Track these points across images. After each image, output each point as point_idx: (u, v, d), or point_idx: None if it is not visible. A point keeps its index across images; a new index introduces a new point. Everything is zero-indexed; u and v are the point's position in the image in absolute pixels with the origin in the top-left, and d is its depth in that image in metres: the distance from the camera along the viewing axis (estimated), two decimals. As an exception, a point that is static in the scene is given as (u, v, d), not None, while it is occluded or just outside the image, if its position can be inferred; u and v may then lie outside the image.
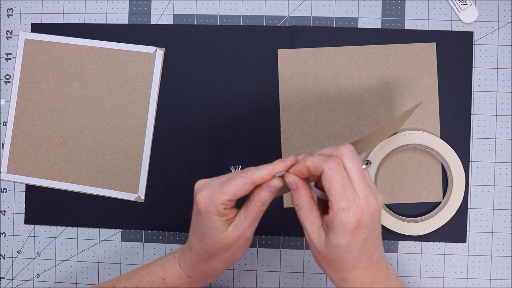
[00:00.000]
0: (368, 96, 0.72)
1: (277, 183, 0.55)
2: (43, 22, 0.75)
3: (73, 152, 0.74)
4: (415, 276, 0.73)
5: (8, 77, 0.76)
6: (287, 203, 0.73)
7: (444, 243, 0.72)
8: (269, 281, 0.74)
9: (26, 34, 0.75)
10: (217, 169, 0.73)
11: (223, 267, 0.59)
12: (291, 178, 0.54)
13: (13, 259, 0.76)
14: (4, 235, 0.76)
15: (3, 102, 0.75)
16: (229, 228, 0.55)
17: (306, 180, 0.55)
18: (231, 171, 0.59)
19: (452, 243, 0.72)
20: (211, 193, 0.54)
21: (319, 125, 0.72)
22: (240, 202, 0.56)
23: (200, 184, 0.57)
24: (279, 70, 0.73)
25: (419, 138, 0.70)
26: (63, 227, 0.76)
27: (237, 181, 0.54)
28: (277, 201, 0.73)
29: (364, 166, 0.54)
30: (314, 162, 0.52)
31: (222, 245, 0.56)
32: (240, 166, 0.59)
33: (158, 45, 0.74)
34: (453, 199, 0.71)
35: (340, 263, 0.52)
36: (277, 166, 0.55)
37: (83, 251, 0.75)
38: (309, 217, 0.54)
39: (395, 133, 0.71)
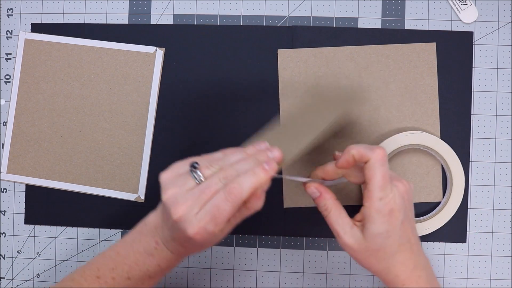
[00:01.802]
0: (368, 96, 0.72)
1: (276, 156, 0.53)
2: (43, 22, 0.75)
3: (73, 152, 0.74)
4: (415, 276, 0.73)
5: (8, 77, 0.76)
6: (287, 203, 0.73)
7: (444, 243, 0.72)
8: (269, 281, 0.74)
9: (26, 34, 0.75)
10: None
11: (197, 252, 0.60)
12: (312, 187, 0.56)
13: (13, 259, 0.76)
14: (4, 235, 0.76)
15: (3, 102, 0.76)
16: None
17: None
18: (193, 167, 0.53)
19: (452, 243, 0.72)
20: (204, 228, 0.50)
21: (319, 125, 0.72)
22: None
23: (172, 192, 0.51)
24: (279, 70, 0.73)
25: (419, 138, 0.70)
26: (63, 227, 0.76)
27: (227, 208, 0.50)
28: (277, 201, 0.73)
29: None
30: (359, 151, 0.54)
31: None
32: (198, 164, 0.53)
33: (158, 45, 0.74)
34: (453, 199, 0.71)
35: (383, 251, 0.54)
36: (261, 174, 0.51)
37: (83, 251, 0.75)
38: (338, 220, 0.55)
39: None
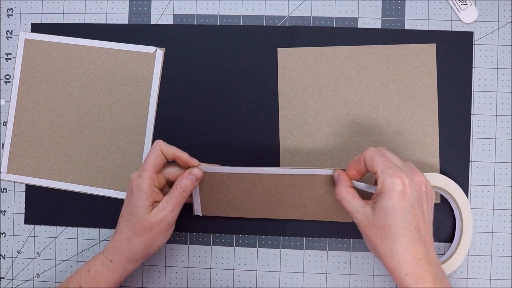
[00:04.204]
0: (367, 96, 0.72)
1: (198, 172, 0.64)
2: (43, 22, 0.75)
3: (73, 152, 0.74)
4: (415, 276, 0.73)
5: (8, 77, 0.76)
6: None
7: (444, 243, 0.72)
8: (269, 281, 0.74)
9: (26, 34, 0.75)
10: (217, 169, 0.73)
11: (142, 251, 0.64)
12: (336, 172, 0.62)
13: (13, 259, 0.76)
14: (4, 235, 0.76)
15: (3, 102, 0.76)
16: (153, 211, 0.62)
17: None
18: None
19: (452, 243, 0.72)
20: (140, 172, 0.62)
21: (318, 124, 0.72)
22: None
23: (137, 172, 0.64)
24: (278, 68, 0.73)
25: (436, 181, 0.70)
26: (63, 227, 0.76)
27: (150, 155, 0.63)
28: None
29: None
30: (357, 157, 0.61)
31: (145, 224, 0.62)
32: None
33: (158, 45, 0.74)
34: (461, 247, 0.70)
35: (387, 229, 0.55)
36: (186, 156, 0.64)
37: (83, 251, 0.75)
38: (351, 202, 0.59)
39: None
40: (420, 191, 0.56)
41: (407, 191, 0.54)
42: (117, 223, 0.66)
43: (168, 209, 0.62)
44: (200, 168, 0.65)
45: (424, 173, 0.70)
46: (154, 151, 0.63)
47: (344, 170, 0.63)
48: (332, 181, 0.65)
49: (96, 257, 0.66)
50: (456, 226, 0.71)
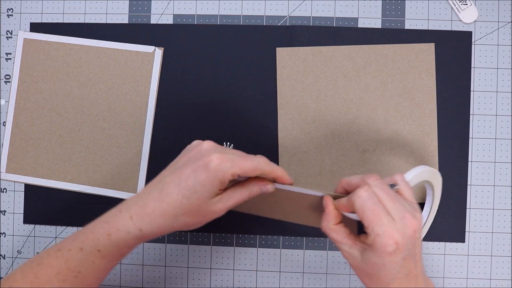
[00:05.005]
0: (366, 95, 0.72)
1: (272, 187, 0.58)
2: (42, 22, 0.76)
3: (72, 151, 0.75)
4: (415, 276, 0.73)
5: (8, 77, 0.76)
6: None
7: (444, 243, 0.72)
8: (269, 281, 0.74)
9: (25, 34, 0.75)
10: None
11: (177, 229, 0.56)
12: (324, 201, 0.58)
13: (13, 259, 0.76)
14: (4, 235, 0.76)
15: (3, 102, 0.76)
16: (214, 199, 0.55)
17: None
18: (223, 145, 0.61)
19: (452, 243, 0.72)
20: (228, 159, 0.54)
21: (317, 123, 0.72)
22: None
23: (212, 144, 0.58)
24: (277, 68, 0.73)
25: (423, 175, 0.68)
26: (63, 227, 0.76)
27: (252, 162, 0.55)
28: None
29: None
30: (350, 181, 0.56)
31: (200, 209, 0.54)
32: (231, 144, 0.62)
33: (157, 44, 0.74)
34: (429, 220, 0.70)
35: (376, 277, 0.53)
36: (285, 176, 0.58)
37: (83, 251, 0.76)
38: (337, 240, 0.56)
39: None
40: (413, 239, 0.52)
41: (400, 248, 0.51)
42: (164, 187, 0.56)
43: (227, 205, 0.56)
44: (273, 185, 0.59)
45: (406, 174, 0.64)
46: (258, 164, 0.56)
47: (334, 197, 0.58)
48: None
49: (118, 219, 0.57)
50: (423, 213, 0.70)
